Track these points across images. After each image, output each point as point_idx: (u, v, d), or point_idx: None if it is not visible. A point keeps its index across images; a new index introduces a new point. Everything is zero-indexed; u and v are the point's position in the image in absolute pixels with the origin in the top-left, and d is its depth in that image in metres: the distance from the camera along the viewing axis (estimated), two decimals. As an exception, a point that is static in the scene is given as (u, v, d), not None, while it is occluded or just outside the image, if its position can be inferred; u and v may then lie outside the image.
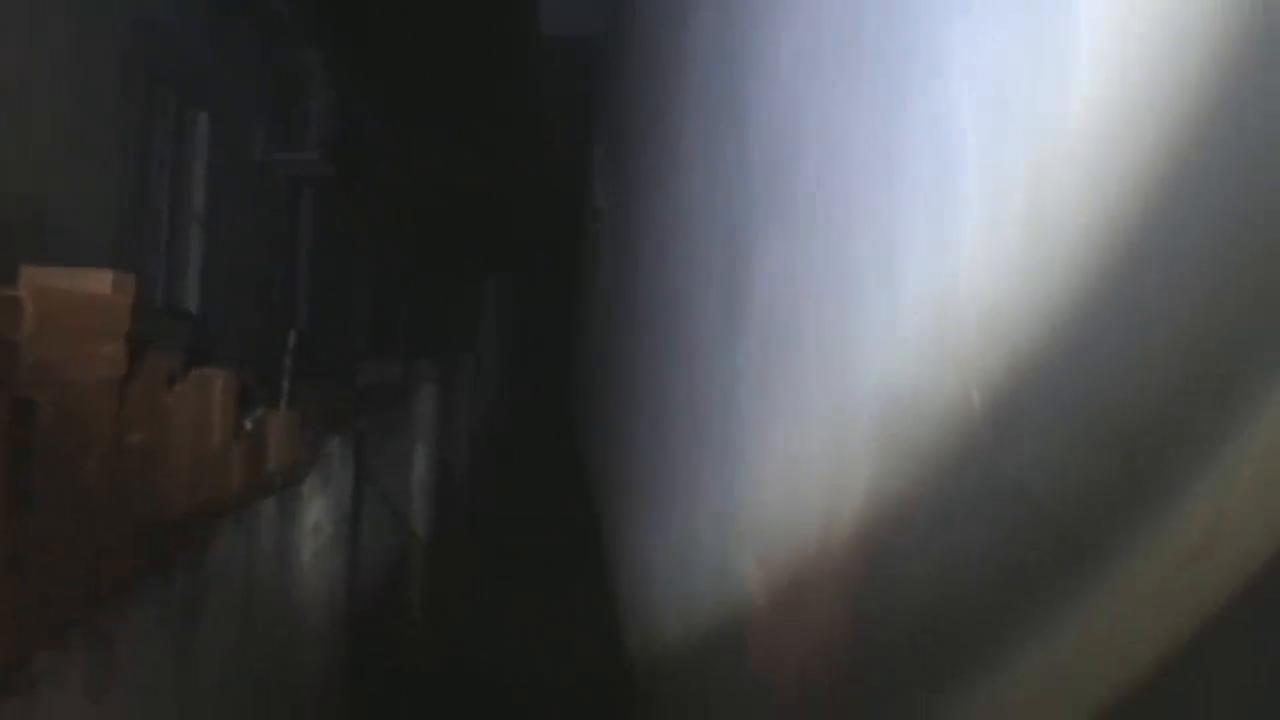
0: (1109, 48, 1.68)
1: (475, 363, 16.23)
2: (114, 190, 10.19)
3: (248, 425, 6.20)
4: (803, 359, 3.38)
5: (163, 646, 4.98)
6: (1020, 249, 1.92)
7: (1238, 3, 1.44)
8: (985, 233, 2.05)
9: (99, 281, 4.40)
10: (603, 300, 12.98)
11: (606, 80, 15.51)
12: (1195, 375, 1.49)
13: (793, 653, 3.28)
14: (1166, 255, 1.55)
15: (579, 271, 18.05)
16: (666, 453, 6.44)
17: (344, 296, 15.90)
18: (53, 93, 9.09)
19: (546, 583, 12.49)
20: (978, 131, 2.11)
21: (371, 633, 9.07)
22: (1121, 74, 1.65)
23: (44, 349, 3.90)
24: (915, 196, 2.42)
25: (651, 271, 7.86)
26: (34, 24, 8.76)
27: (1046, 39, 1.85)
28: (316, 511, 7.48)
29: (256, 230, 13.16)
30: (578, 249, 18.45)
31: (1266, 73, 1.37)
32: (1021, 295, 1.90)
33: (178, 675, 5.14)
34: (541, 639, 11.20)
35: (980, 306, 2.05)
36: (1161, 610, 1.54)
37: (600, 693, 9.25)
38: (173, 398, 4.95)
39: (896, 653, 2.40)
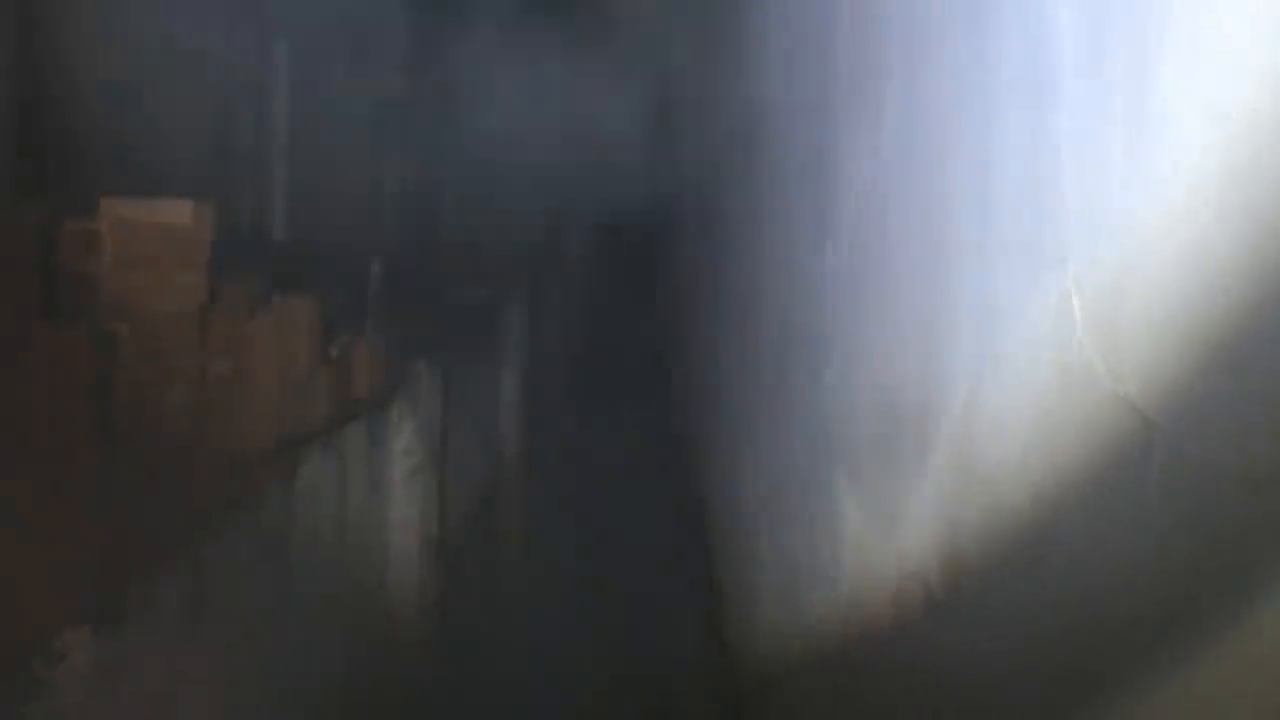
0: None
1: (563, 283, 16.17)
2: (197, 120, 10.20)
3: (334, 352, 6.19)
4: (893, 267, 3.25)
5: (255, 576, 5.00)
6: (1125, 147, 1.78)
7: None
8: (1087, 132, 1.91)
9: (178, 212, 4.37)
10: (689, 209, 12.84)
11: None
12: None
13: (887, 573, 3.18)
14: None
15: (663, 178, 17.83)
16: (755, 366, 6.33)
17: (429, 220, 15.88)
18: (133, 25, 9.07)
19: (637, 500, 12.50)
20: (1076, 26, 1.97)
21: (464, 556, 9.12)
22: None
23: (123, 280, 3.90)
24: (1010, 96, 2.28)
25: (739, 179, 7.71)
26: (110, -44, 8.71)
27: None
28: (405, 436, 7.49)
29: (340, 156, 13.15)
30: (662, 155, 18.21)
31: None
32: (1128, 194, 1.76)
33: (271, 601, 5.17)
34: (632, 557, 11.22)
35: (1083, 208, 1.91)
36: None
37: (692, 611, 9.24)
38: (256, 326, 4.94)
39: (995, 574, 2.30)
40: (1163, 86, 1.66)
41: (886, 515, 3.23)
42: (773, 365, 5.66)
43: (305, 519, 5.61)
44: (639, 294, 18.81)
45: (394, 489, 7.42)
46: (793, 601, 4.92)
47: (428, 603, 7.83)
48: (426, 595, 7.80)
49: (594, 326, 18.67)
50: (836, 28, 4.31)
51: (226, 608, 4.66)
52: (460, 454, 9.26)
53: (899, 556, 3.06)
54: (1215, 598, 1.52)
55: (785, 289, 5.30)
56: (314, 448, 5.77)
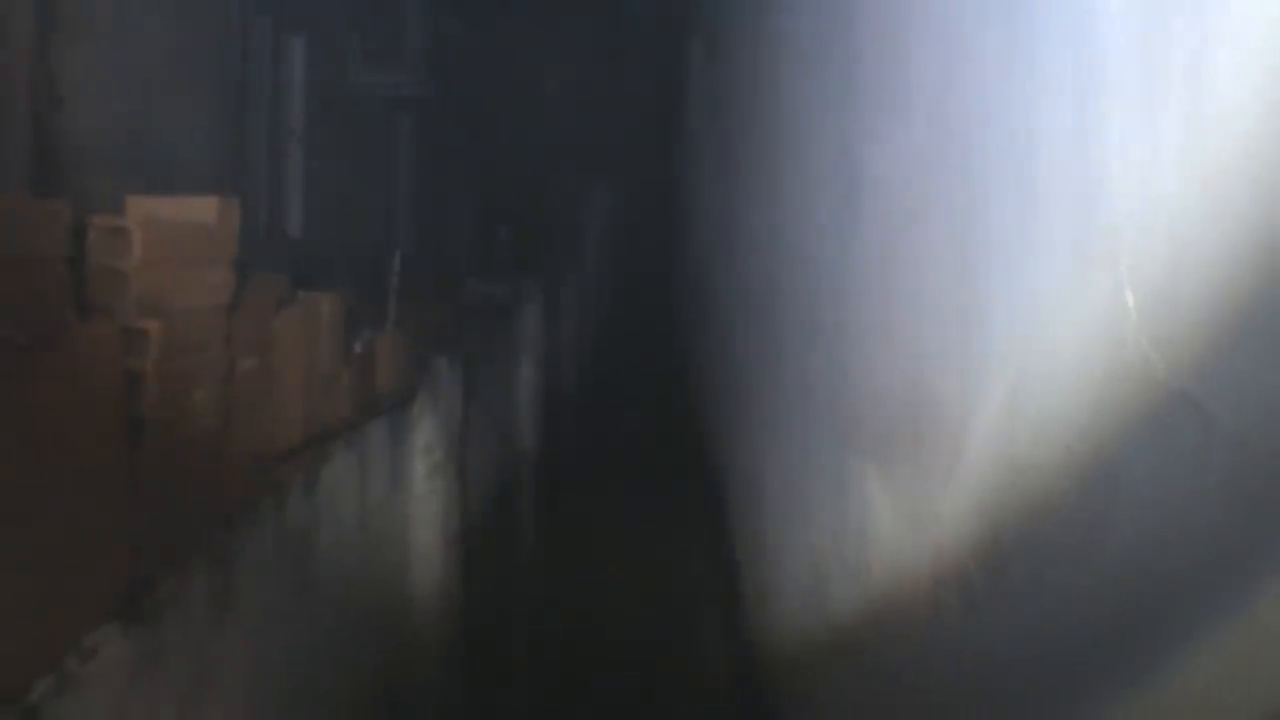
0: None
1: (579, 277, 16.17)
2: (213, 118, 10.21)
3: (356, 348, 6.18)
4: (925, 261, 3.23)
5: (281, 570, 5.01)
6: (1180, 139, 1.76)
7: None
8: (1139, 122, 1.89)
9: (204, 209, 4.38)
10: (705, 204, 12.80)
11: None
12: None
13: (920, 570, 3.16)
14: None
15: (679, 174, 17.84)
16: (779, 360, 6.31)
17: (446, 215, 15.90)
18: (150, 23, 9.08)
19: (656, 494, 12.48)
20: (1127, 12, 1.95)
21: (483, 551, 9.11)
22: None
23: (152, 277, 3.89)
24: (1053, 85, 2.25)
25: (757, 174, 7.68)
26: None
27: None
28: (427, 433, 7.48)
29: (356, 152, 13.17)
30: (677, 152, 18.21)
31: None
32: (1184, 186, 1.74)
33: (296, 597, 5.17)
34: (651, 553, 11.20)
35: (1135, 201, 1.89)
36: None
37: (711, 608, 9.23)
38: (281, 322, 4.94)
39: (1042, 569, 2.28)
40: (1222, 74, 1.64)
41: (919, 512, 3.21)
42: (796, 360, 5.64)
43: (329, 515, 5.61)
44: (656, 288, 18.82)
45: (415, 486, 7.41)
46: (818, 597, 4.91)
47: (449, 597, 7.83)
48: (448, 590, 7.79)
49: (611, 320, 18.69)
50: (860, 21, 4.29)
51: (252, 603, 4.67)
52: (480, 450, 9.25)
53: (934, 553, 3.04)
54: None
55: (809, 284, 5.28)
56: (337, 445, 5.77)
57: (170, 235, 4.06)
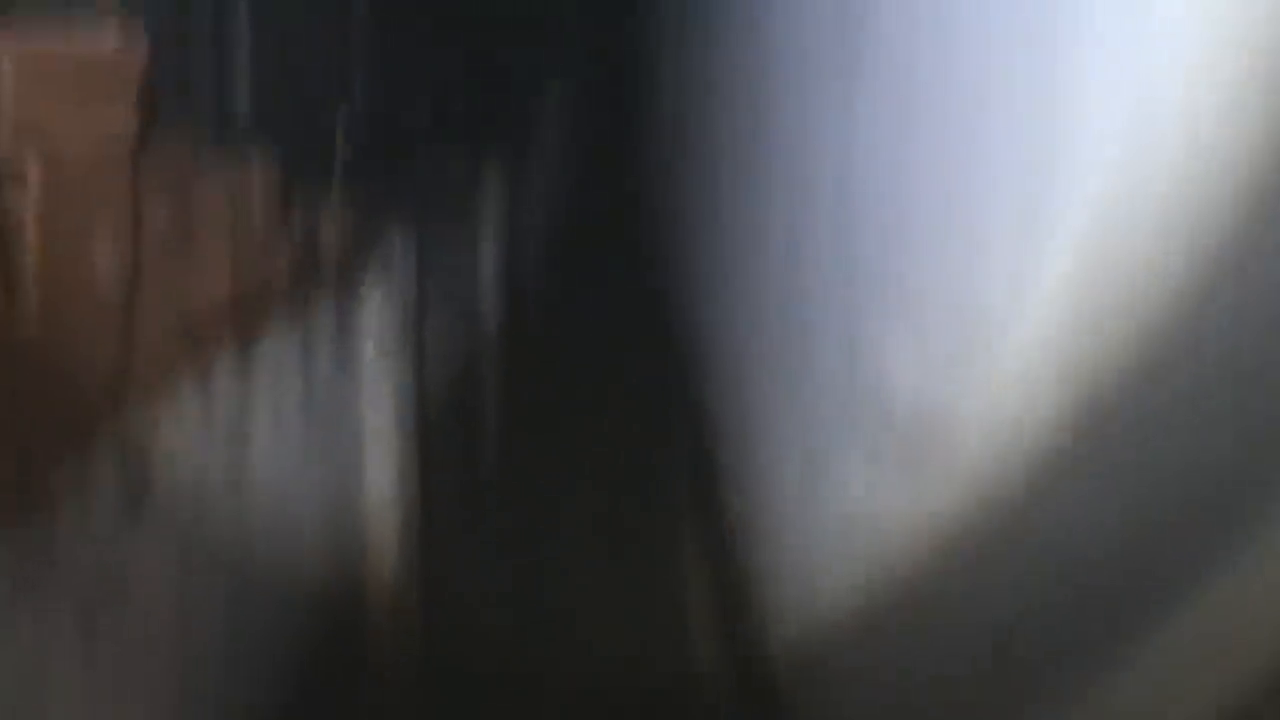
0: None
1: (543, 151, 15.84)
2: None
3: (296, 215, 5.72)
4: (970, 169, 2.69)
5: (208, 461, 4.59)
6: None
7: None
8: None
9: (99, 37, 3.99)
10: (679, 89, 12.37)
11: None
12: None
13: (952, 563, 2.73)
14: None
15: (645, 51, 17.42)
16: (758, 312, 5.73)
17: (404, 78, 15.47)
18: None
19: (626, 384, 12.22)
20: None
21: (443, 439, 8.77)
22: None
23: (29, 113, 3.52)
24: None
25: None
26: None
27: None
28: (377, 312, 7.06)
29: (307, 7, 12.64)
30: (644, 27, 17.77)
31: None
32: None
33: (227, 492, 4.73)
34: (620, 448, 10.93)
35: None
36: None
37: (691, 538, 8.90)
38: (200, 171, 4.47)
39: (1093, 570, 1.97)
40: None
41: (942, 508, 2.77)
42: (781, 313, 5.10)
43: (267, 400, 5.18)
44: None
45: (365, 370, 7.01)
46: (826, 590, 4.42)
47: (406, 488, 7.44)
48: (405, 480, 7.39)
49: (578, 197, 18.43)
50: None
51: (174, 499, 4.23)
52: (437, 332, 8.88)
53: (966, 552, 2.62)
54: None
55: (800, 210, 4.67)
56: (275, 320, 5.32)
57: (56, 66, 3.65)
